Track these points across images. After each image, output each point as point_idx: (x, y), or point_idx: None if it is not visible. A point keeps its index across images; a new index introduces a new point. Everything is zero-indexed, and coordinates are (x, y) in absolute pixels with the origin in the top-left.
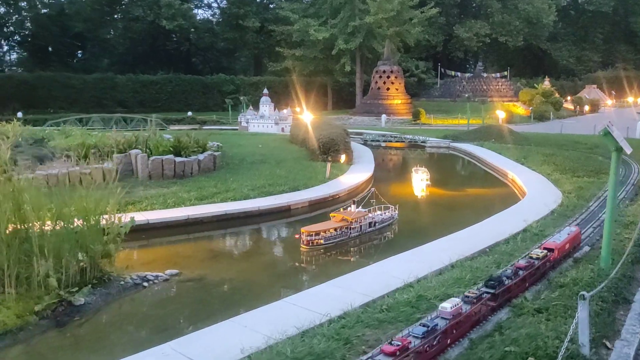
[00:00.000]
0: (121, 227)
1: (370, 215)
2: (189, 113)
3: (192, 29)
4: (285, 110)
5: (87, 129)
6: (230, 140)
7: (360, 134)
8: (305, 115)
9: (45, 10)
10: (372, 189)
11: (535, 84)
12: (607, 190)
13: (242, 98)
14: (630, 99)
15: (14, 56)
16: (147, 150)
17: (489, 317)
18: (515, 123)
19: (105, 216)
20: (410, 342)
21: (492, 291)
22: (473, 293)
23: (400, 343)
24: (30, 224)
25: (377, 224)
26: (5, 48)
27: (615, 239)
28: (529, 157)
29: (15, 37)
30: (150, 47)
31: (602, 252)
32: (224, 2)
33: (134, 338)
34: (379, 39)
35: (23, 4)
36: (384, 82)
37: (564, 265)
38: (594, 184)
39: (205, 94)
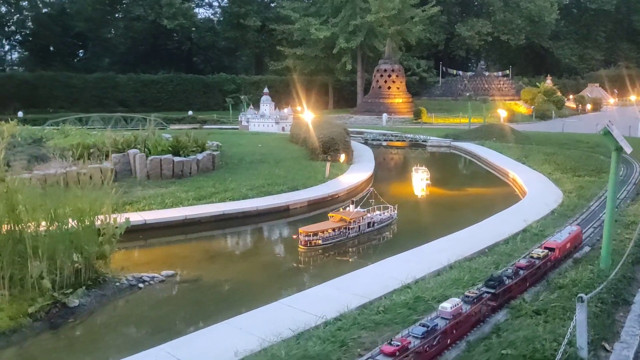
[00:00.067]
0: (116, 227)
1: (369, 215)
2: (190, 112)
3: (193, 28)
4: (285, 110)
5: (88, 128)
6: (230, 140)
7: (361, 133)
8: (306, 114)
9: (46, 10)
10: (371, 188)
11: (537, 83)
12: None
13: (242, 97)
14: (632, 98)
15: (15, 55)
16: (146, 150)
17: (490, 317)
18: (517, 122)
19: (101, 217)
20: (410, 343)
21: (492, 291)
22: (473, 293)
23: (399, 343)
24: (24, 225)
25: (376, 224)
26: (7, 47)
27: (615, 239)
28: (530, 156)
29: (17, 37)
30: (151, 46)
31: (601, 253)
32: (225, 1)
33: (129, 340)
34: (380, 38)
35: (24, 3)
36: (385, 81)
37: (563, 266)
38: (595, 184)
39: (206, 93)
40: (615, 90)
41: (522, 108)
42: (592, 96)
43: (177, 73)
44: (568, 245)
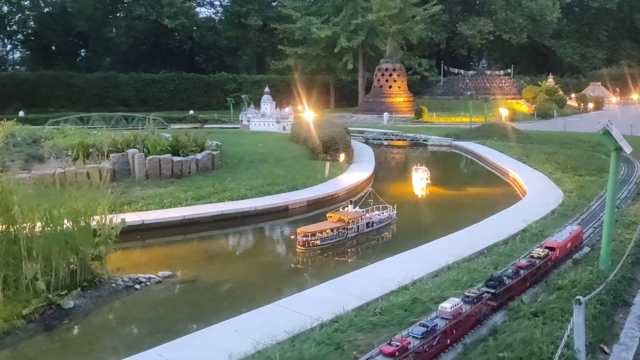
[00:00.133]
0: (112, 228)
1: (367, 215)
2: (191, 112)
3: (195, 28)
4: (286, 109)
5: (88, 128)
6: (230, 139)
7: (362, 132)
8: (307, 113)
9: (47, 9)
10: (370, 188)
11: (539, 82)
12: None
13: (243, 96)
14: (634, 97)
15: (17, 55)
16: (145, 149)
17: (490, 317)
18: (519, 121)
19: (97, 217)
20: (410, 343)
21: (492, 291)
22: (473, 293)
23: (399, 343)
24: (19, 226)
25: (374, 225)
26: (9, 47)
27: (615, 240)
28: (531, 156)
29: (18, 36)
30: (152, 45)
31: (601, 254)
32: (226, 0)
33: (124, 342)
34: (381, 37)
35: (26, 2)
36: (387, 80)
37: (562, 266)
38: (596, 183)
39: (208, 93)
40: (617, 89)
41: (523, 107)
42: (594, 95)
43: (179, 72)
44: (569, 244)
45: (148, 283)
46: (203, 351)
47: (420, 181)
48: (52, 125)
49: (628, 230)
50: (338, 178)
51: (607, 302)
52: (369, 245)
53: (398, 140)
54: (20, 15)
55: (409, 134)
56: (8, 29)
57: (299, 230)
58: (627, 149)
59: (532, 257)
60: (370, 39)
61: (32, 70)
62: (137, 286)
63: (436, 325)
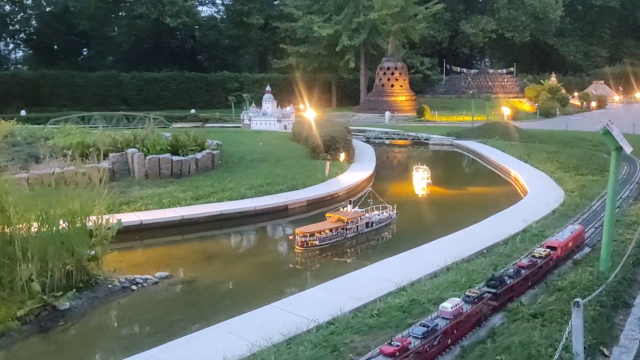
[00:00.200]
0: (108, 229)
1: (367, 215)
2: (192, 111)
3: (196, 26)
4: (288, 108)
5: (89, 127)
6: (231, 138)
7: (363, 131)
8: (308, 112)
9: (50, 8)
10: (369, 188)
11: (541, 80)
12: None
13: (245, 95)
14: (638, 95)
15: (19, 54)
16: (144, 149)
17: (491, 317)
18: (521, 120)
19: (93, 218)
20: (410, 343)
21: (493, 291)
22: (474, 293)
23: (400, 343)
24: (14, 227)
25: (374, 224)
26: (11, 46)
27: (616, 240)
28: (533, 155)
29: (21, 35)
30: (154, 44)
31: (601, 254)
32: None
33: (119, 344)
34: (383, 35)
35: (28, 2)
36: (388, 79)
37: (562, 267)
38: (597, 183)
39: (210, 92)
40: (621, 88)
41: (526, 106)
42: (597, 93)
43: (180, 71)
44: (570, 244)
45: (145, 284)
46: (197, 354)
47: (420, 181)
48: (53, 124)
49: (629, 230)
50: (338, 177)
51: (607, 304)
52: (368, 245)
53: (399, 139)
54: (22, 14)
55: (411, 133)
56: (10, 28)
57: (297, 230)
58: (628, 149)
59: (533, 256)
60: (372, 38)
61: (34, 70)
62: (134, 287)
63: (437, 325)
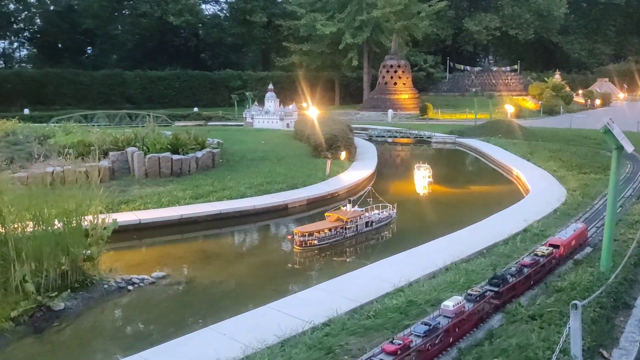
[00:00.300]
0: (104, 229)
1: (366, 214)
2: (195, 109)
3: (200, 25)
4: (290, 106)
5: (92, 125)
6: (233, 137)
7: (366, 129)
8: (311, 110)
9: (54, 7)
10: (369, 187)
11: (545, 78)
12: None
13: (247, 94)
14: None
15: (23, 52)
16: (145, 147)
17: (493, 315)
18: (524, 117)
19: (89, 217)
20: (412, 341)
21: (495, 289)
22: (476, 291)
23: (401, 342)
24: (8, 227)
25: (374, 224)
26: (15, 45)
27: (618, 239)
28: (536, 153)
29: (25, 34)
30: (158, 43)
31: (602, 255)
32: None
33: (114, 345)
34: (386, 33)
35: (32, 0)
36: (391, 77)
37: (563, 268)
38: (600, 181)
39: (213, 90)
40: (625, 85)
41: (529, 103)
42: (601, 91)
43: (184, 69)
44: (573, 242)
45: (141, 284)
46: (190, 356)
47: (422, 179)
48: (56, 123)
49: (631, 230)
50: (339, 176)
51: (607, 305)
52: (367, 245)
53: (402, 137)
54: (26, 12)
55: (413, 131)
56: (14, 26)
57: (296, 230)
58: (629, 148)
59: (536, 255)
60: (375, 36)
61: (38, 68)
62: (130, 287)
63: (438, 323)
